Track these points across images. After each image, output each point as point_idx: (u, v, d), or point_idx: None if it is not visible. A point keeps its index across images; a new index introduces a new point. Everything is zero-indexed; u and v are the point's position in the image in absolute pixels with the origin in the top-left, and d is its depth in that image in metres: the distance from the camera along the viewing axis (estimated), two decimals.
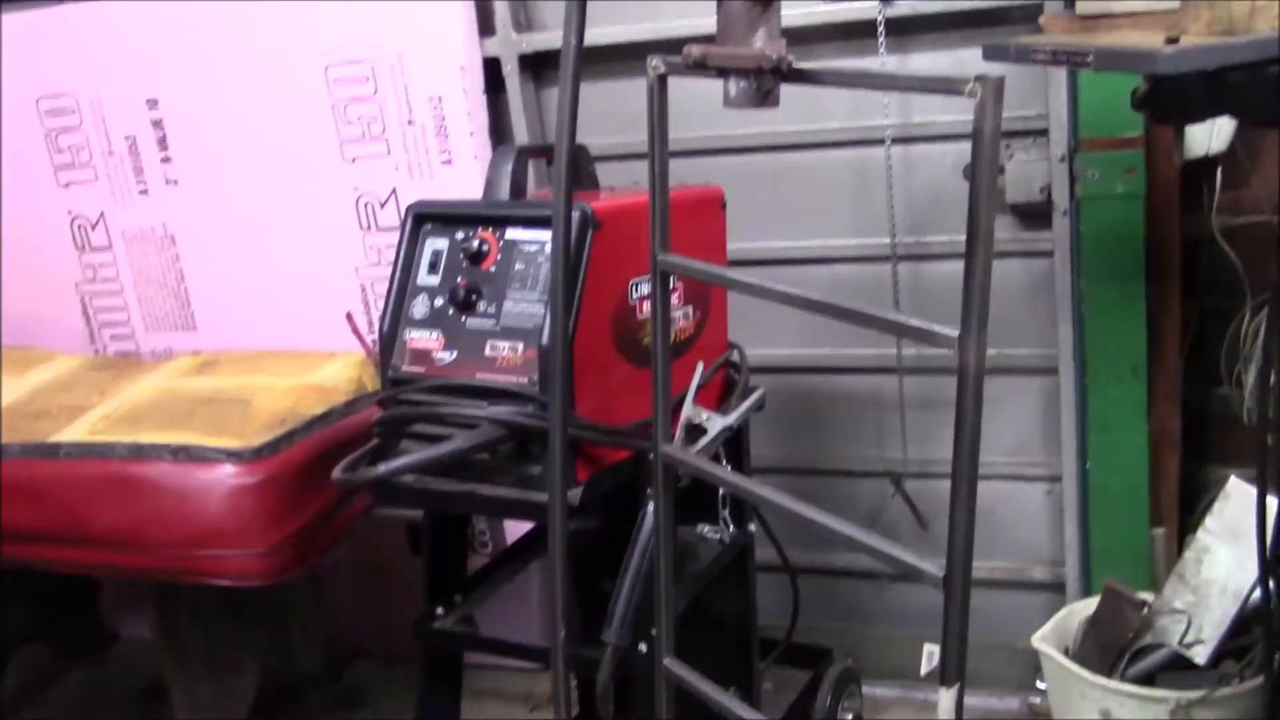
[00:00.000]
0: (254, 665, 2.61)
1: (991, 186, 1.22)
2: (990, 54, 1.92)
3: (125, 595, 3.00)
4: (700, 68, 1.40)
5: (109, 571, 2.36)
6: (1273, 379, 1.98)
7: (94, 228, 2.99)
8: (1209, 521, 2.18)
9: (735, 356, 2.18)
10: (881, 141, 2.49)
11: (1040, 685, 2.47)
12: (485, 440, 1.76)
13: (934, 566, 1.33)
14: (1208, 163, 2.39)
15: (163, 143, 2.86)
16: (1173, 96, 1.81)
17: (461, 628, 2.11)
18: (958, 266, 1.23)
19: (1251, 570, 2.02)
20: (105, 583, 2.98)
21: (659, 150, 1.57)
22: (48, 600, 2.90)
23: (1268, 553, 1.87)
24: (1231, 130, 2.32)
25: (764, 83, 1.38)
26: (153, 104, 2.84)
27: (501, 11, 2.64)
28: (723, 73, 1.40)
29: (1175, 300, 2.44)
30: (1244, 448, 2.46)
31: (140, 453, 2.17)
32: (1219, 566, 2.16)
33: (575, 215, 1.76)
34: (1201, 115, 1.91)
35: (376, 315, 2.76)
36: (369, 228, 2.75)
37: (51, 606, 2.91)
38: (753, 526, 2.20)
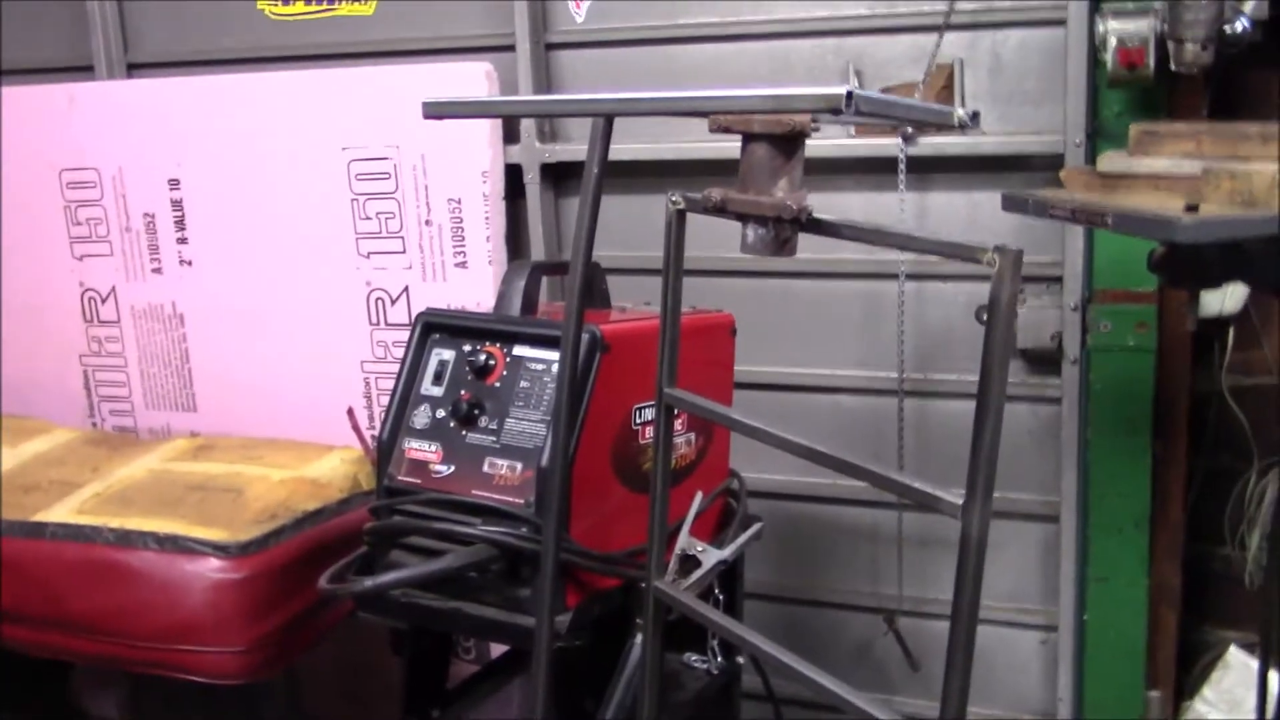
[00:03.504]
0: None
1: (1005, 357, 1.21)
2: (1009, 205, 1.93)
3: (96, 677, 2.94)
4: (719, 211, 1.40)
5: (83, 658, 2.32)
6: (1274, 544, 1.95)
7: (104, 301, 3.00)
8: (1206, 691, 2.14)
9: (735, 485, 2.16)
10: (895, 276, 2.50)
11: None
12: (475, 560, 1.73)
13: None
14: (1220, 322, 2.39)
15: (180, 222, 2.88)
16: (1189, 262, 1.82)
17: None
18: (965, 406, 1.22)
19: None
20: (77, 663, 2.92)
21: (672, 283, 1.57)
22: (16, 676, 2.84)
23: None
24: (1245, 293, 2.32)
25: (782, 231, 1.38)
26: (174, 183, 2.86)
27: (526, 120, 2.66)
28: (741, 218, 1.40)
29: (1181, 456, 2.42)
30: (1244, 610, 2.43)
31: (126, 540, 2.14)
32: None
33: (584, 338, 1.75)
34: (1217, 282, 1.91)
35: (379, 411, 2.75)
36: (378, 323, 2.74)
37: (20, 682, 2.85)
38: (741, 659, 2.17)
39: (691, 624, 2.07)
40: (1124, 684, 2.45)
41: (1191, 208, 1.66)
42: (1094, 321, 2.35)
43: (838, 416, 2.63)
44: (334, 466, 2.44)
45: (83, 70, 3.07)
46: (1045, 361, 2.46)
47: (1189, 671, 2.48)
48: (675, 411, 1.67)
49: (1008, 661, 2.62)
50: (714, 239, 2.17)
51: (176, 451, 2.59)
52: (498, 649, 2.55)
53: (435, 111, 1.61)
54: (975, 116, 1.43)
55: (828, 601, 2.74)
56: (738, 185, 1.42)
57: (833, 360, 2.64)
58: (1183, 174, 1.86)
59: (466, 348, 1.91)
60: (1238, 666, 2.09)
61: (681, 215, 1.54)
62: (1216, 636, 2.41)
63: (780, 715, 2.40)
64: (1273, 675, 1.79)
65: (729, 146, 1.46)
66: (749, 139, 1.41)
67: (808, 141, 1.41)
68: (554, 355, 1.81)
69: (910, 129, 2.36)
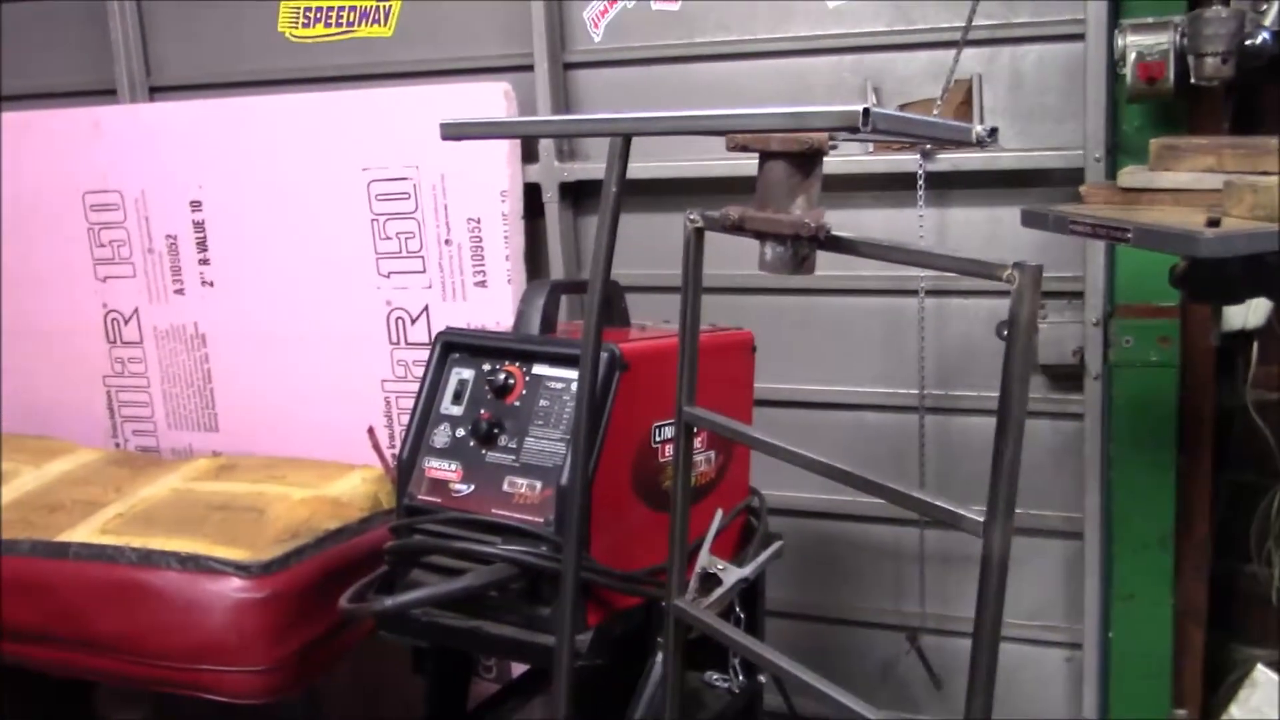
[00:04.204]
0: None
1: (1026, 374, 1.20)
2: (1029, 221, 1.92)
3: (120, 696, 2.95)
4: (738, 230, 1.40)
5: (105, 677, 2.33)
6: None
7: (127, 323, 3.02)
8: (1234, 710, 2.12)
9: (755, 503, 2.15)
10: (915, 292, 2.49)
11: None
12: (496, 579, 1.73)
13: None
14: (1244, 336, 2.37)
15: (202, 244, 2.90)
16: (1211, 277, 1.80)
17: None
18: (986, 422, 1.22)
19: None
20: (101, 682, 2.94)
21: (691, 301, 1.57)
22: (40, 696, 2.85)
23: None
24: (1269, 307, 2.30)
25: (800, 249, 1.38)
26: (196, 205, 2.88)
27: (545, 140, 2.67)
28: (760, 236, 1.40)
29: (1206, 472, 2.41)
30: (1271, 627, 2.41)
31: (149, 560, 2.15)
32: None
33: (603, 356, 1.75)
34: (1239, 297, 1.90)
35: (399, 430, 2.75)
36: (399, 342, 2.75)
37: (43, 702, 2.86)
38: (763, 677, 2.15)
39: (713, 643, 2.07)
40: (1150, 703, 2.43)
41: (1213, 222, 1.66)
42: (1116, 336, 2.34)
43: (859, 433, 2.62)
44: (355, 486, 2.45)
45: (106, 94, 3.10)
46: (1067, 377, 2.45)
47: (1216, 690, 2.46)
48: (695, 430, 1.67)
49: (1033, 680, 2.60)
50: (733, 256, 2.18)
51: (199, 471, 2.60)
52: (519, 669, 2.55)
53: (453, 133, 1.62)
54: (994, 132, 1.43)
55: (850, 620, 2.73)
56: (755, 203, 1.42)
57: (854, 377, 2.63)
58: (1204, 188, 1.85)
59: (486, 367, 1.91)
60: (1265, 684, 2.07)
61: (700, 233, 1.54)
62: (1244, 654, 2.38)
63: None
64: None
65: (748, 164, 1.46)
66: (766, 157, 1.41)
67: (825, 158, 1.41)
68: (573, 374, 1.81)
69: (929, 145, 2.35)
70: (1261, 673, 2.10)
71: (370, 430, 2.71)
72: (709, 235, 1.55)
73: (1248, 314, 2.29)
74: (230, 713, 2.35)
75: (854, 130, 1.19)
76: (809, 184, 1.38)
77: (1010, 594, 2.52)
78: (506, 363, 1.90)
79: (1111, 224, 1.74)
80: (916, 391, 2.53)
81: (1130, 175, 1.96)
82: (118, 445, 3.10)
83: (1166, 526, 2.37)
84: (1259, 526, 2.44)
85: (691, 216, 1.54)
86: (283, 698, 2.18)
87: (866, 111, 1.19)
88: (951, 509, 1.26)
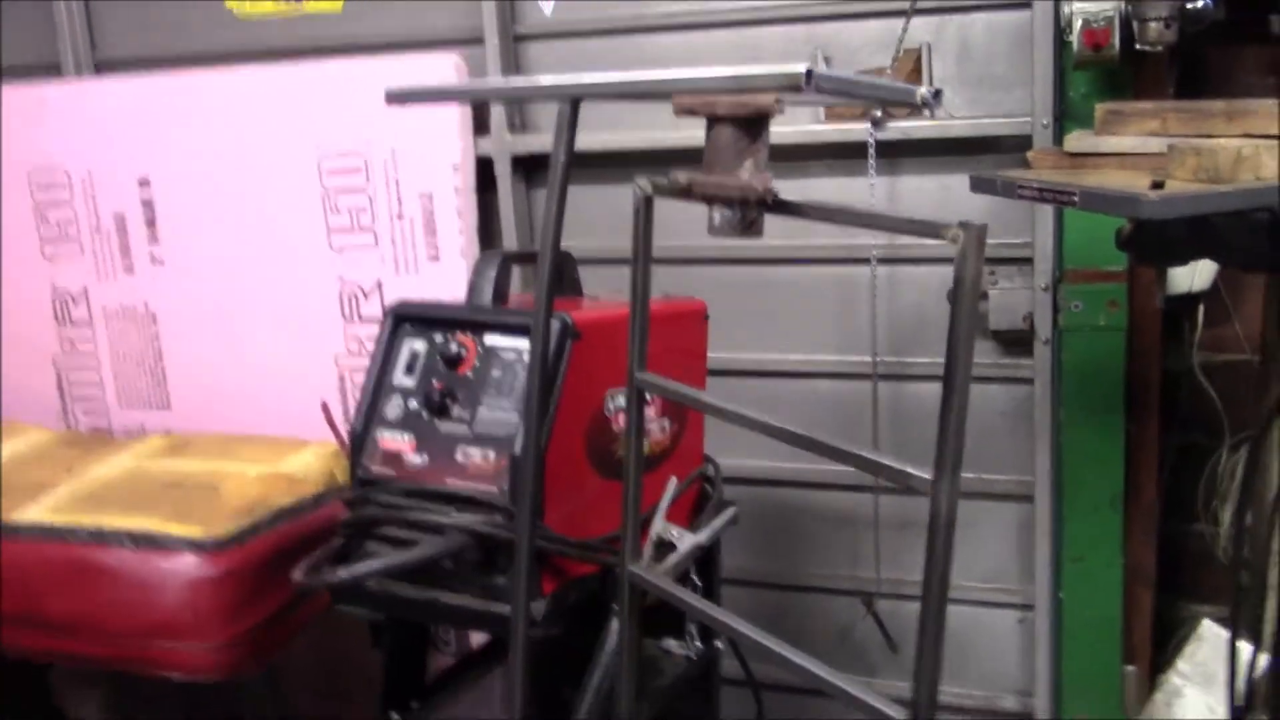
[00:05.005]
0: None
1: (970, 332, 1.21)
2: (977, 186, 1.94)
3: (76, 677, 2.93)
4: (686, 195, 1.41)
5: (60, 659, 2.31)
6: (1247, 520, 1.97)
7: (75, 302, 2.98)
8: (1180, 664, 2.16)
9: (710, 471, 2.16)
10: (867, 260, 2.51)
11: None
12: (450, 548, 1.73)
13: (899, 711, 1.30)
14: (1190, 299, 2.40)
15: (151, 222, 2.87)
16: (1156, 239, 1.83)
17: None
18: (939, 389, 1.22)
19: (1222, 715, 1.99)
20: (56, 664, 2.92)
21: (642, 269, 1.57)
22: None
23: (1238, 699, 1.85)
24: (1214, 270, 2.34)
25: (749, 213, 1.38)
26: (144, 183, 2.85)
27: (496, 111, 2.66)
28: (708, 200, 1.40)
29: (1154, 434, 2.44)
30: (1219, 585, 2.45)
31: (101, 538, 2.13)
32: (1189, 710, 2.13)
33: (555, 325, 1.75)
34: (1184, 259, 1.92)
35: (354, 406, 2.73)
36: (352, 318, 2.74)
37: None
38: (719, 643, 2.17)
39: (669, 612, 2.09)
40: (1101, 661, 2.47)
41: (1157, 184, 1.67)
42: (1065, 302, 2.37)
43: (813, 402, 2.64)
44: (309, 462, 2.44)
45: (49, 70, 3.05)
46: (1018, 343, 2.47)
47: (1165, 649, 2.50)
48: (648, 397, 1.67)
49: (986, 642, 2.64)
50: (685, 232, 2.18)
51: (151, 450, 2.58)
52: (478, 642, 2.55)
53: (399, 98, 1.61)
54: (938, 95, 1.44)
55: (806, 586, 2.75)
56: (704, 169, 1.42)
57: (807, 346, 2.64)
58: (1148, 152, 1.87)
59: (438, 338, 1.90)
60: (1210, 639, 2.11)
61: (648, 200, 1.54)
62: (1192, 612, 2.43)
63: (760, 700, 2.40)
64: (1242, 646, 1.80)
65: (698, 136, 1.46)
66: (714, 122, 1.41)
67: (778, 129, 1.42)
68: (526, 344, 1.81)
69: (879, 113, 2.36)
70: (1208, 627, 2.14)
71: (324, 406, 2.70)
72: (662, 208, 1.55)
73: (1193, 277, 2.32)
74: (188, 692, 2.34)
75: (797, 90, 1.19)
76: (756, 148, 1.38)
77: (964, 558, 2.57)
78: (458, 334, 1.89)
79: (1057, 188, 1.76)
80: (869, 359, 2.55)
81: (1077, 140, 1.98)
82: (68, 425, 3.07)
83: (1116, 489, 2.41)
84: (1206, 487, 2.48)
85: (640, 183, 1.54)
86: (240, 675, 2.17)
87: (809, 72, 1.19)
88: (899, 467, 1.27)
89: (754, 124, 1.39)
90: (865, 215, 1.37)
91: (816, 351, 2.64)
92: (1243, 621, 1.82)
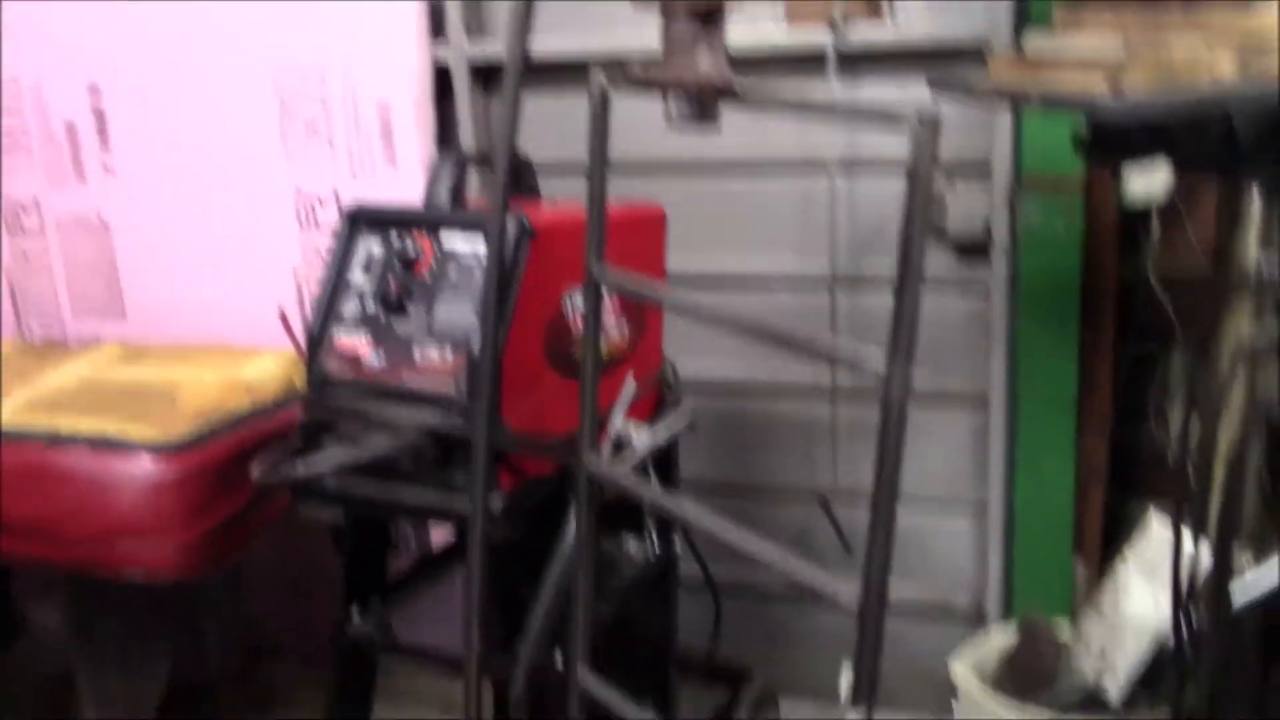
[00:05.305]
0: (165, 660, 2.56)
1: (924, 220, 1.22)
2: (936, 86, 1.94)
3: (36, 583, 2.93)
4: (643, 84, 1.40)
5: (19, 560, 2.31)
6: (1192, 420, 1.99)
7: (27, 211, 2.94)
8: (1128, 553, 2.20)
9: (669, 374, 2.17)
10: (826, 170, 2.50)
11: (955, 709, 2.48)
12: (408, 443, 1.74)
13: (849, 594, 1.32)
14: (1146, 211, 2.42)
15: (103, 130, 2.81)
16: (1113, 142, 1.84)
17: (378, 631, 2.08)
18: None
19: (1167, 606, 2.03)
20: (16, 569, 2.91)
21: (599, 165, 1.57)
22: None
23: (1182, 591, 1.89)
24: (1169, 180, 2.35)
25: (706, 102, 1.38)
26: (94, 91, 2.79)
27: (453, 14, 2.62)
28: (664, 88, 1.39)
29: (1108, 340, 2.47)
30: (1169, 484, 2.49)
31: (58, 440, 2.12)
32: (1135, 601, 2.18)
33: (511, 225, 1.75)
34: (1140, 154, 1.93)
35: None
36: (308, 226, 2.71)
37: None
38: (678, 545, 2.19)
39: (627, 510, 2.11)
40: (1053, 557, 2.52)
41: (1115, 85, 1.68)
42: (1022, 210, 2.38)
43: (775, 311, 2.64)
44: (267, 369, 2.43)
45: None
46: (975, 250, 2.49)
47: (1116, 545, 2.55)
48: (605, 295, 1.67)
49: (940, 542, 2.69)
50: (646, 137, 2.18)
51: (108, 358, 2.56)
52: (438, 542, 2.57)
53: None
54: None
55: (766, 490, 2.79)
56: (661, 60, 1.41)
57: (768, 256, 2.65)
58: (1107, 58, 1.88)
59: (394, 239, 1.89)
60: (1157, 531, 2.16)
61: (605, 95, 1.53)
62: (1144, 509, 2.47)
63: (719, 601, 2.44)
64: (1185, 533, 1.84)
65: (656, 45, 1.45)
66: (670, 15, 1.40)
67: (738, 32, 1.41)
68: (483, 245, 1.80)
69: (839, 16, 2.35)
70: (1154, 519, 2.19)
71: (282, 313, 2.67)
72: (621, 118, 1.54)
73: (1150, 186, 2.33)
74: (149, 594, 2.35)
75: None
76: (712, 36, 1.37)
77: (919, 460, 2.60)
78: (415, 234, 1.88)
79: (1016, 89, 1.76)
80: (828, 269, 2.56)
81: (1035, 43, 1.97)
82: (23, 336, 3.04)
83: (1070, 392, 2.44)
84: (1157, 392, 2.51)
85: (598, 77, 1.52)
86: (200, 576, 2.18)
87: None
88: (852, 354, 1.29)
89: (710, 16, 1.39)
90: (822, 104, 1.37)
91: (777, 262, 2.64)
92: (1188, 515, 1.85)
